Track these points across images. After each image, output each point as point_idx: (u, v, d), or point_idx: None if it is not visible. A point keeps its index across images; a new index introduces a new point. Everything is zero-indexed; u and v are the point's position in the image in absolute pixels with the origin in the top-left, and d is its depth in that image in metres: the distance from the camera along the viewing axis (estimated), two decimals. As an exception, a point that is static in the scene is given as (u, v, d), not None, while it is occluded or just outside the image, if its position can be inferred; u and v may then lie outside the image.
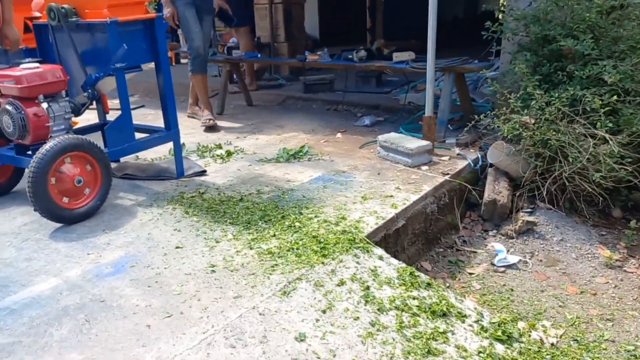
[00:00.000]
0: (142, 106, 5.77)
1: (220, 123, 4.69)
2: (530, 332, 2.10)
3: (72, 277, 2.22)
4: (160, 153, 3.80)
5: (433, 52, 3.44)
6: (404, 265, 2.33)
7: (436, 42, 3.46)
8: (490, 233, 3.22)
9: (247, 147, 4.03)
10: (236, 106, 5.22)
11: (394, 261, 2.35)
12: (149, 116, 5.25)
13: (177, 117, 3.30)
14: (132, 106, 5.63)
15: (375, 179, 3.24)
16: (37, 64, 2.82)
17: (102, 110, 3.59)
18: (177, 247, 2.45)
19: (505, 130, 3.20)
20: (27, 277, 2.24)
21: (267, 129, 4.56)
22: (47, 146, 2.60)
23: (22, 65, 2.79)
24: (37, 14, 3.84)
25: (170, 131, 3.28)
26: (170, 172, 3.42)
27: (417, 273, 2.28)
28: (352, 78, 5.59)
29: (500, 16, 3.63)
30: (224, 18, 4.96)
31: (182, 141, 3.46)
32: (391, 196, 2.94)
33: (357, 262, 2.28)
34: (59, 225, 2.70)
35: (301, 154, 3.75)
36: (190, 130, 4.59)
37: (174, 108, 3.27)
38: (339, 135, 4.26)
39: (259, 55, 5.26)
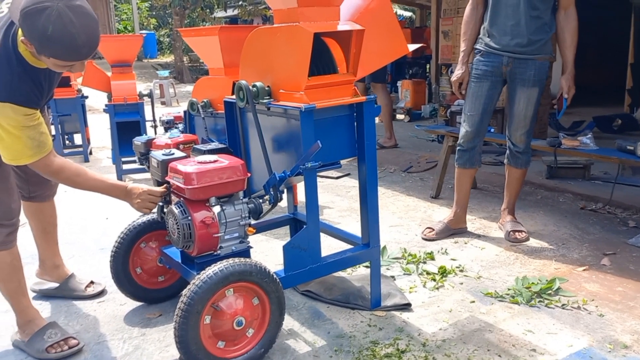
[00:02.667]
0: (348, 174, 5.14)
1: (435, 211, 3.73)
2: None
3: None
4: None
5: None
6: None
7: None
8: None
9: (468, 261, 2.99)
10: (455, 188, 4.22)
11: None
12: (352, 190, 4.55)
13: (379, 229, 2.43)
14: (335, 175, 5.07)
15: (691, 378, 1.92)
16: (215, 157, 2.22)
17: (292, 201, 2.94)
18: None
19: None
20: None
21: (499, 231, 3.45)
22: (203, 276, 1.94)
23: (197, 158, 2.23)
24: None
25: (369, 248, 2.43)
26: (362, 297, 2.56)
27: None
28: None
29: None
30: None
31: (382, 243, 2.59)
32: None
33: None
34: (208, 377, 2.01)
35: (549, 292, 2.57)
36: (397, 219, 3.72)
37: (377, 217, 2.41)
38: (605, 261, 2.95)
39: (492, 130, 4.20)
